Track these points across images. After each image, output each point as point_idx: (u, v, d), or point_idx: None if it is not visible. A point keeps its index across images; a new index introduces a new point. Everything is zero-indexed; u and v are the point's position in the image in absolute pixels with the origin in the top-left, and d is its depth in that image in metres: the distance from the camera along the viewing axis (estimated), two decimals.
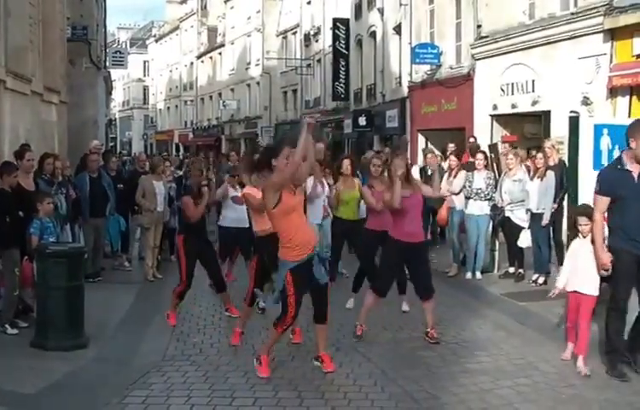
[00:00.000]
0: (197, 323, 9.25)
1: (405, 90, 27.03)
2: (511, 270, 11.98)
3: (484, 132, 19.63)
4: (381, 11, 29.97)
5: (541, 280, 11.33)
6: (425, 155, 14.50)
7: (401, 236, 8.23)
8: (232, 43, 57.73)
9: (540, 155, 11.47)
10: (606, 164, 9.03)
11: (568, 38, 16.71)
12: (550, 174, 11.10)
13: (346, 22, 34.68)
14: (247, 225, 9.26)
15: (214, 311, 9.81)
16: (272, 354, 7.21)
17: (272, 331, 7.10)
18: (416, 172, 13.57)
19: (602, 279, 9.80)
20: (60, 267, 7.79)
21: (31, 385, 6.59)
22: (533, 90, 18.36)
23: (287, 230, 6.80)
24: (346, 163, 10.50)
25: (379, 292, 8.48)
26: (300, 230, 6.84)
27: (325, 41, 38.54)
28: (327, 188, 10.96)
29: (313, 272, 6.86)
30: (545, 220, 11.01)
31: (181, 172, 15.96)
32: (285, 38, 47.51)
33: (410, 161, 9.47)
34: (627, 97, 15.11)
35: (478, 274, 12.00)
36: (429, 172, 13.29)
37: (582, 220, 7.37)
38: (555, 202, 11.11)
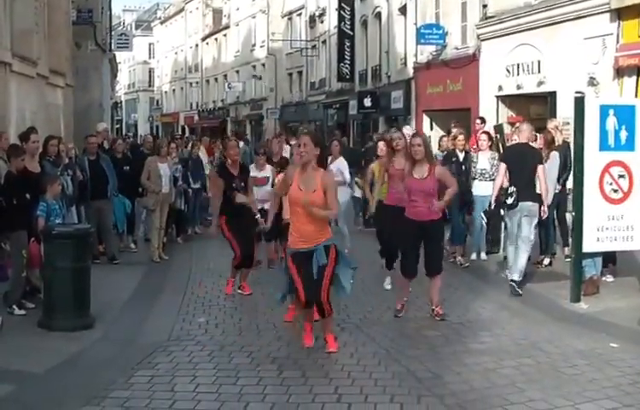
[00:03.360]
0: (202, 303, 9.31)
1: (411, 71, 27.01)
2: None
3: (489, 113, 19.61)
4: None
5: (546, 261, 11.35)
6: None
7: (414, 215, 8.32)
8: (237, 25, 57.61)
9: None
10: (612, 144, 9.04)
11: (574, 18, 16.66)
12: (554, 155, 11.08)
13: (351, 3, 34.57)
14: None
15: (219, 292, 9.87)
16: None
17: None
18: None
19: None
20: (66, 248, 7.84)
21: (38, 365, 6.66)
22: (539, 71, 18.34)
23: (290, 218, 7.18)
24: (381, 145, 10.85)
25: (407, 275, 8.58)
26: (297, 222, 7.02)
27: (330, 22, 38.42)
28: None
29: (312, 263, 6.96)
30: (548, 201, 10.99)
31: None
32: (290, 19, 47.38)
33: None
34: (634, 78, 15.09)
35: (483, 255, 12.02)
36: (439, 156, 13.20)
37: None
38: (558, 182, 11.09)
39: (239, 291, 9.70)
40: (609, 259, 10.21)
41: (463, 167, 11.55)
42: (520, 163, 9.64)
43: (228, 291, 9.68)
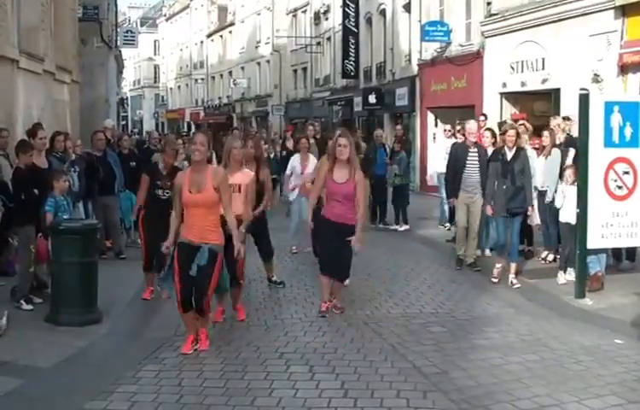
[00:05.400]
0: None
1: (415, 68, 26.96)
2: (520, 247, 11.98)
3: (493, 110, 19.60)
4: None
5: (550, 257, 11.37)
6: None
7: (328, 214, 8.37)
8: (242, 22, 57.63)
9: (547, 133, 11.44)
10: (617, 141, 9.05)
11: (579, 15, 16.63)
12: (556, 152, 11.09)
13: (355, 0, 34.53)
14: None
15: None
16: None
17: None
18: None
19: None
20: (73, 244, 7.90)
21: (45, 359, 6.71)
22: (543, 68, 18.31)
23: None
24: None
25: (324, 273, 8.57)
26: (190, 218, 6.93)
27: (335, 19, 38.39)
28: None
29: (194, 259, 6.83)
30: (549, 198, 10.99)
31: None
32: (295, 16, 47.35)
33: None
34: (638, 74, 15.05)
35: (487, 252, 12.02)
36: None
37: None
38: (560, 179, 11.06)
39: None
40: (615, 255, 10.26)
41: (510, 167, 9.96)
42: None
43: (146, 296, 9.20)
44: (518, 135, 10.28)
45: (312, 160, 12.18)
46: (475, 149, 11.09)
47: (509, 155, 10.02)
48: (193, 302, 6.94)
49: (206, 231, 6.86)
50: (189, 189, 6.87)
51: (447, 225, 15.07)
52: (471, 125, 11.58)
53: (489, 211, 10.33)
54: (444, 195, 14.05)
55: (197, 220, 6.87)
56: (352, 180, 8.25)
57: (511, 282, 10.01)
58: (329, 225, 8.35)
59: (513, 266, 10.11)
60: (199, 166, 6.91)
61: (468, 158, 11.04)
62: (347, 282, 9.17)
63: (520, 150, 10.14)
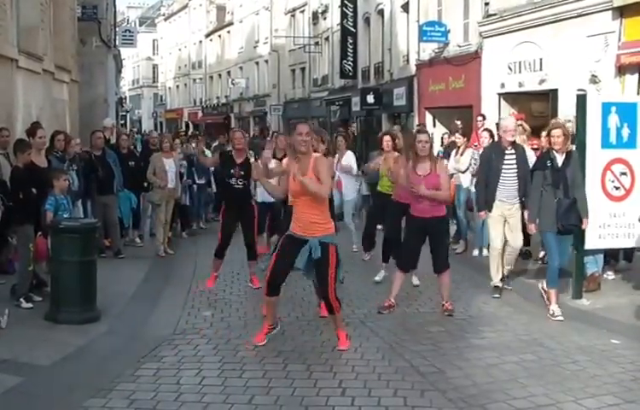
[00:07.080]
0: (208, 297, 9.38)
1: (413, 69, 27.01)
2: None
3: (491, 110, 19.63)
4: None
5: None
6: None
7: (417, 212, 8.51)
8: (240, 22, 57.64)
9: (545, 133, 11.43)
10: (614, 142, 9.08)
11: (577, 16, 16.68)
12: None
13: (353, 0, 34.56)
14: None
15: (225, 285, 9.95)
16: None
17: None
18: None
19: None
20: (72, 242, 7.91)
21: (45, 357, 6.73)
22: (541, 69, 18.36)
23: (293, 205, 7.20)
24: (386, 139, 10.69)
25: (402, 268, 8.77)
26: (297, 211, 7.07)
27: (333, 19, 38.42)
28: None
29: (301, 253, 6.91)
30: None
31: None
32: (293, 16, 47.35)
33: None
34: (636, 76, 15.11)
35: (485, 251, 12.03)
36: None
37: None
38: None
39: (249, 285, 9.85)
40: (613, 256, 10.28)
41: (562, 176, 8.50)
42: None
43: (209, 284, 9.79)
44: (565, 135, 8.69)
45: (349, 154, 12.85)
46: (513, 151, 9.44)
47: (560, 160, 8.51)
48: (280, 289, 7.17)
49: (312, 225, 6.92)
50: (294, 176, 6.94)
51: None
52: (508, 121, 9.93)
53: (533, 230, 8.91)
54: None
55: (302, 211, 6.96)
56: (435, 172, 8.44)
57: (553, 313, 8.47)
58: (417, 222, 8.51)
59: (553, 293, 8.63)
60: (304, 156, 6.96)
61: (505, 162, 9.39)
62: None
63: (570, 154, 8.61)
